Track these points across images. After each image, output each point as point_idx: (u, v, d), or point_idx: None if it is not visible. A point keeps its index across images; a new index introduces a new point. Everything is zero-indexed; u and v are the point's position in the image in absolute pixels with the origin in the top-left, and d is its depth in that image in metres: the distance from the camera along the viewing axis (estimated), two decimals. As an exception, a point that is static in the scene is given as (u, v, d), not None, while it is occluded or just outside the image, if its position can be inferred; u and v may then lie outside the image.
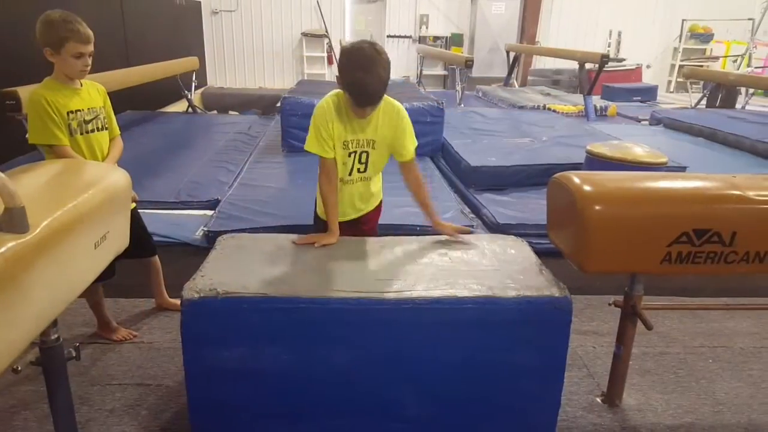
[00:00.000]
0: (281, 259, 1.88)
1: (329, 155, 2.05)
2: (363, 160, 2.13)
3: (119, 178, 1.70)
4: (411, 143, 2.16)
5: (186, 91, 7.89)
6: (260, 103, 8.94)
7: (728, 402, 2.18)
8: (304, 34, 11.48)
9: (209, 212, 3.72)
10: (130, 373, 2.25)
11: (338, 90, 2.04)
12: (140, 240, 2.40)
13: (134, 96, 6.71)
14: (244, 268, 1.78)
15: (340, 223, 2.14)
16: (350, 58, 1.91)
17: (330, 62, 11.63)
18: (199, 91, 9.29)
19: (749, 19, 11.29)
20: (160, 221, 3.47)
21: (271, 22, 11.50)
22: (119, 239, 1.68)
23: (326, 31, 11.37)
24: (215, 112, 8.72)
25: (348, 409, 1.78)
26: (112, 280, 2.29)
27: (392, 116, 2.09)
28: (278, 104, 5.46)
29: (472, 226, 3.64)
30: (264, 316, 1.63)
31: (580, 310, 2.80)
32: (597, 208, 1.71)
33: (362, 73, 1.85)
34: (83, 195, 1.44)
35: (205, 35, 11.08)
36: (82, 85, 2.24)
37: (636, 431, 2.01)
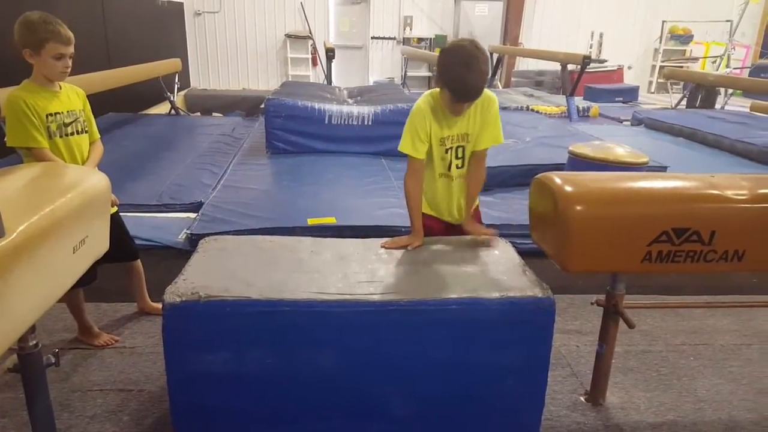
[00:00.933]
0: (265, 262, 1.87)
1: (421, 156, 2.10)
2: (460, 155, 2.16)
3: (98, 181, 1.67)
4: (496, 133, 2.16)
5: (168, 93, 7.82)
6: (244, 105, 8.89)
7: (709, 399, 2.20)
8: (288, 36, 11.44)
9: (192, 215, 3.69)
10: (111, 378, 2.22)
11: (431, 91, 2.11)
12: (122, 244, 2.38)
13: (116, 98, 6.63)
14: (226, 271, 1.77)
15: (446, 224, 2.25)
16: (452, 56, 1.96)
17: (315, 64, 11.60)
18: (182, 92, 9.21)
19: (727, 21, 11.48)
20: (142, 224, 3.44)
21: (254, 24, 11.45)
22: (99, 243, 1.66)
23: (310, 33, 11.35)
24: (198, 113, 8.66)
25: (333, 411, 1.77)
26: (93, 284, 2.26)
27: (485, 106, 2.11)
28: (262, 106, 5.44)
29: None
30: (247, 320, 1.61)
31: (564, 309, 2.82)
32: (578, 208, 1.72)
33: (465, 70, 1.90)
34: (61, 199, 1.42)
35: (188, 36, 10.99)
36: (61, 88, 2.21)
37: (619, 429, 2.02)
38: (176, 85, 8.21)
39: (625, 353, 2.48)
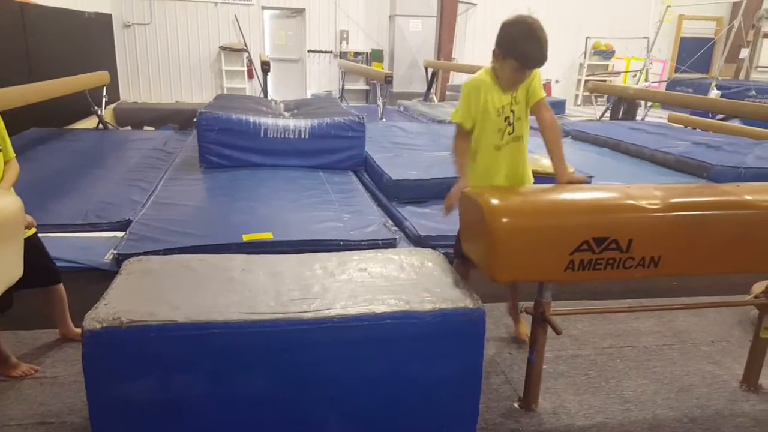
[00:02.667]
0: (193, 282, 1.82)
1: (469, 126, 2.28)
2: (512, 120, 2.29)
3: (7, 204, 1.59)
4: (540, 86, 2.33)
5: (96, 107, 7.51)
6: (177, 118, 8.67)
7: (635, 399, 2.30)
8: (223, 48, 11.27)
9: (120, 234, 3.54)
10: (30, 411, 2.08)
11: (485, 68, 2.28)
12: (40, 268, 2.25)
13: (39, 113, 6.30)
14: (151, 294, 1.71)
15: None
16: (516, 27, 2.11)
17: (250, 76, 11.47)
18: (112, 106, 8.88)
19: (644, 37, 12.20)
20: (66, 245, 3.27)
21: (187, 36, 11.21)
22: (10, 270, 1.57)
23: (245, 45, 11.21)
24: (129, 128, 8.36)
25: (268, 434, 1.74)
26: (9, 311, 2.13)
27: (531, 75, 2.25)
28: (195, 119, 5.31)
29: (394, 239, 3.68)
30: (174, 345, 1.56)
31: (498, 318, 2.89)
32: (504, 220, 1.78)
33: (531, 38, 2.07)
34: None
35: (117, 49, 10.63)
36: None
37: (551, 434, 2.09)
38: (104, 99, 7.91)
39: (556, 358, 2.56)
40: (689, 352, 2.67)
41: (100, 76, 7.77)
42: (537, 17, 2.11)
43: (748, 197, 1.97)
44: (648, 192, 1.89)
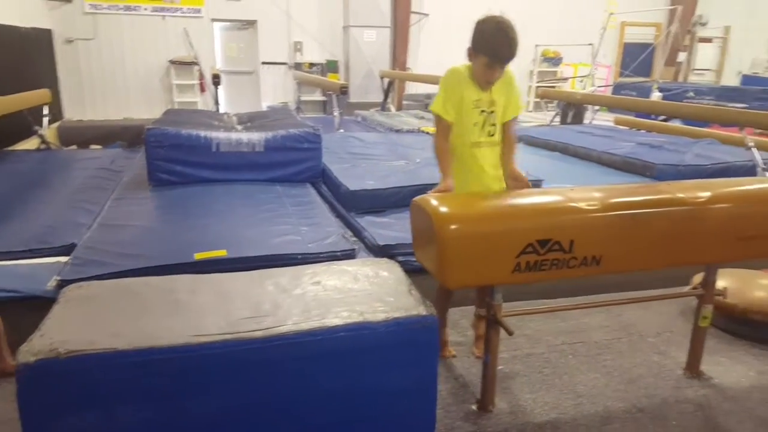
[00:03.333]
0: (136, 307, 1.77)
1: (449, 117, 2.30)
2: (492, 122, 2.34)
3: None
4: (518, 102, 2.46)
5: (36, 126, 7.24)
6: (126, 135, 8.41)
7: (587, 393, 2.37)
8: (172, 62, 11.08)
9: (64, 259, 3.41)
10: (-32, 451, 1.99)
11: (463, 64, 2.33)
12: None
13: (-26, 135, 6.05)
14: (91, 322, 1.65)
15: None
16: (486, 23, 2.22)
17: (202, 90, 11.30)
18: (55, 125, 8.57)
19: (589, 44, 12.62)
20: (5, 274, 3.13)
21: (134, 50, 10.97)
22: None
23: (196, 59, 11.06)
24: (74, 147, 8.08)
25: (222, 457, 1.70)
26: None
27: (508, 81, 2.38)
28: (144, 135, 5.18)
29: (354, 250, 3.68)
30: (117, 374, 1.50)
31: (456, 321, 2.93)
32: (452, 227, 1.82)
33: (499, 33, 2.18)
34: None
35: (58, 65, 10.30)
36: None
37: (508, 434, 2.12)
38: (46, 118, 7.64)
39: (512, 358, 2.62)
40: (637, 344, 2.77)
41: (39, 95, 7.50)
42: (508, 18, 2.24)
43: (680, 195, 2.07)
44: (587, 194, 1.96)
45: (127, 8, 10.75)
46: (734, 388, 2.40)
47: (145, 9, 10.84)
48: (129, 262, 3.25)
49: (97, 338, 1.55)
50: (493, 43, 2.18)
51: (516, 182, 2.34)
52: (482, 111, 2.32)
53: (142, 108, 11.17)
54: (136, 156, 6.42)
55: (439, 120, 2.34)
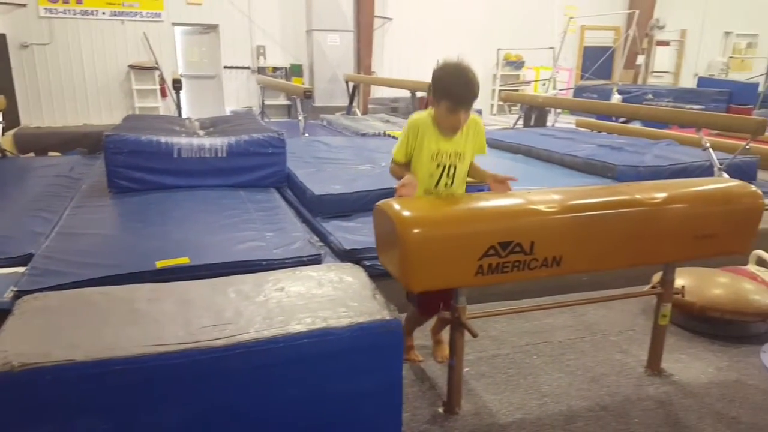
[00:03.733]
0: (94, 317, 1.73)
1: (401, 160, 2.31)
2: (451, 174, 2.27)
3: None
4: (483, 144, 2.38)
5: (-9, 135, 7.01)
6: (86, 142, 8.18)
7: (551, 393, 2.40)
8: (132, 67, 10.86)
9: (21, 269, 3.30)
10: None
11: (428, 110, 2.27)
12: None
13: (-77, 143, 5.81)
14: (47, 333, 1.60)
15: None
16: (444, 69, 2.18)
17: (164, 95, 11.11)
18: (11, 132, 8.29)
19: (551, 48, 12.88)
20: (-43, 287, 3.01)
21: (93, 55, 10.73)
22: None
23: (156, 63, 10.86)
24: (32, 154, 7.83)
25: (184, 469, 1.67)
26: None
27: (475, 128, 2.31)
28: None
29: (320, 255, 3.66)
30: (74, 387, 1.46)
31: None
32: (415, 231, 1.82)
33: (458, 76, 2.13)
34: None
35: (14, 71, 9.99)
36: None
37: (474, 435, 2.14)
38: (1, 125, 7.40)
39: (478, 360, 2.64)
40: (599, 343, 2.82)
41: (-6, 101, 7.27)
42: (465, 61, 2.19)
43: (638, 196, 2.12)
44: (547, 196, 1.99)
45: (84, 12, 10.51)
46: (694, 384, 2.47)
47: (103, 13, 10.61)
48: (88, 272, 3.16)
49: (53, 350, 1.50)
50: (452, 86, 2.13)
51: (500, 185, 2.26)
52: (438, 165, 2.25)
53: (103, 113, 10.93)
54: (96, 163, 6.25)
55: (394, 158, 2.36)
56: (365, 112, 12.19)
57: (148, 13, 10.85)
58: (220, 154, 5.11)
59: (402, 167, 2.32)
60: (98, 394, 1.50)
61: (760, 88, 12.79)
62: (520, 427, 2.18)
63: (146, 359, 1.52)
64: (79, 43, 10.59)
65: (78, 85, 10.78)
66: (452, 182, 2.29)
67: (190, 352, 1.57)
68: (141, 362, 1.52)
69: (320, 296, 1.94)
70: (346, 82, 11.14)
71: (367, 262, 3.54)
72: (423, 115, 2.28)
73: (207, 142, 5.10)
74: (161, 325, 1.69)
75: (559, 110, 10.15)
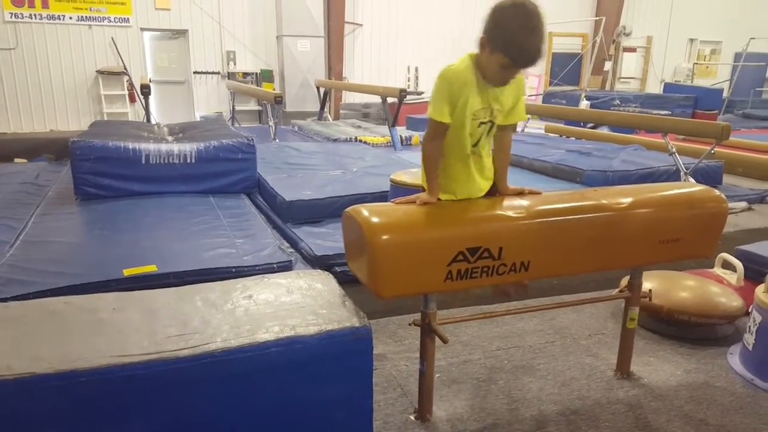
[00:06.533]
0: (56, 328, 1.68)
1: (446, 120, 1.94)
2: (491, 132, 2.05)
3: None
4: (523, 109, 2.13)
5: (-48, 140, 6.79)
6: (53, 148, 8.02)
7: (522, 398, 2.42)
8: (100, 72, 10.66)
9: (-17, 279, 3.20)
10: None
11: (470, 54, 1.93)
12: None
13: None
14: (8, 345, 1.55)
15: None
16: (512, 16, 1.76)
17: (132, 100, 10.94)
18: (-27, 138, 8.09)
19: (521, 54, 13.08)
20: None
21: (59, 60, 10.52)
22: None
23: (125, 69, 10.69)
24: (-4, 161, 7.64)
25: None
26: None
27: (519, 82, 2.01)
28: (70, 148, 4.94)
29: (291, 261, 3.63)
30: (37, 400, 1.42)
31: (394, 331, 2.93)
32: (384, 237, 1.81)
33: (528, 32, 1.74)
34: None
35: (-23, 76, 9.74)
36: None
37: (445, 441, 2.13)
38: (-37, 131, 7.19)
39: (449, 365, 2.64)
40: (570, 347, 2.85)
41: (-45, 106, 7.06)
42: (537, 4, 1.78)
43: (604, 201, 2.15)
44: (514, 203, 2.01)
45: (51, 17, 10.30)
46: (663, 387, 2.50)
47: (70, 18, 10.41)
48: (54, 281, 3.09)
49: (13, 362, 1.46)
50: (518, 43, 1.76)
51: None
52: (481, 123, 1.99)
53: (70, 120, 10.73)
54: (62, 170, 6.14)
55: (435, 124, 1.97)
56: (337, 117, 12.19)
57: (116, 18, 10.68)
58: (189, 160, 5.06)
59: (441, 142, 1.99)
60: (62, 407, 1.46)
61: (725, 94, 13.19)
62: (491, 432, 2.19)
63: (110, 370, 1.48)
64: (46, 48, 10.37)
65: (45, 91, 10.55)
66: (489, 141, 2.07)
67: (155, 362, 1.53)
68: (105, 374, 1.47)
69: (289, 304, 1.92)
70: (317, 88, 11.14)
71: (338, 269, 3.53)
72: (462, 66, 1.92)
73: (176, 147, 5.04)
74: (126, 335, 1.65)
75: (528, 116, 10.28)
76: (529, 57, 1.81)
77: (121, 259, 3.41)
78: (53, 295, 2.65)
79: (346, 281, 2.51)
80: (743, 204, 5.67)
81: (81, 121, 10.34)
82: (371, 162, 6.14)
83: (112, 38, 10.67)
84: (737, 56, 15.15)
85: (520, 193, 2.16)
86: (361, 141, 8.58)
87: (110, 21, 10.66)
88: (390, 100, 8.64)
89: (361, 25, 12.70)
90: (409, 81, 12.99)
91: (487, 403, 2.37)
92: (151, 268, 3.28)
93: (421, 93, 11.77)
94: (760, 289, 2.59)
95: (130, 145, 4.90)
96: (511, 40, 1.78)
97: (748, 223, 5.19)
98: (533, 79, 13.64)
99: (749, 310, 2.73)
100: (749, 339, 2.61)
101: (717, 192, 2.38)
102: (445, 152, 2.05)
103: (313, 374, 1.75)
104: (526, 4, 1.78)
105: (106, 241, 3.82)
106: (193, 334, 1.68)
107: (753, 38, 12.93)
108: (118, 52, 10.68)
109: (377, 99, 9.84)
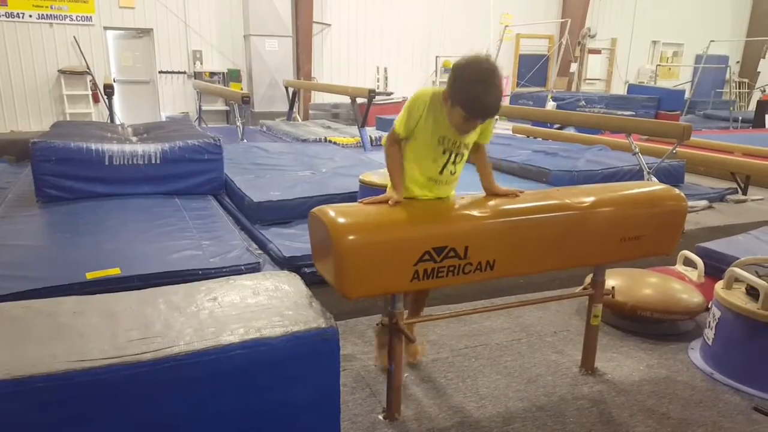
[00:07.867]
0: (14, 333, 1.63)
1: (402, 133, 2.07)
2: (457, 161, 2.12)
3: None
4: (491, 132, 2.27)
5: None
6: (13, 149, 7.78)
7: (489, 395, 2.44)
8: (62, 72, 10.39)
9: (-63, 285, 3.08)
10: None
11: (438, 89, 2.03)
12: None
13: None
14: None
15: None
16: (469, 73, 1.88)
17: (96, 100, 10.68)
18: (-71, 140, 7.77)
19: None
20: None
21: (19, 59, 10.21)
22: None
23: (87, 68, 10.43)
24: (-47, 164, 7.36)
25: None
26: None
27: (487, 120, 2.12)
28: (30, 149, 4.80)
29: (259, 263, 3.60)
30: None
31: (363, 331, 2.94)
32: (350, 238, 1.81)
33: (483, 88, 1.85)
34: None
35: (-67, 75, 9.39)
36: None
37: (413, 441, 2.14)
38: None
39: (417, 364, 2.65)
40: (536, 344, 2.89)
41: None
42: (492, 62, 1.92)
43: (567, 200, 2.19)
44: (480, 202, 2.03)
45: (10, 15, 9.99)
46: (626, 382, 2.56)
47: (30, 16, 10.11)
48: (14, 285, 3.00)
49: (-32, 370, 1.41)
50: (474, 100, 1.87)
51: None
52: (445, 151, 2.06)
53: (31, 120, 10.43)
54: (23, 171, 5.98)
55: (392, 135, 2.10)
56: (306, 117, 12.13)
57: (78, 16, 10.42)
58: (153, 161, 4.97)
59: (399, 145, 2.10)
60: (20, 414, 1.42)
61: (687, 95, 13.57)
62: (459, 430, 2.21)
63: (70, 375, 1.45)
64: (5, 46, 10.05)
65: (4, 91, 10.24)
66: (455, 171, 2.14)
67: (117, 366, 1.50)
68: (64, 379, 1.44)
69: (254, 306, 1.90)
70: (286, 88, 11.06)
71: (307, 270, 3.52)
72: (436, 92, 2.02)
73: (140, 148, 4.95)
74: (86, 339, 1.61)
75: (496, 116, 10.40)
76: (487, 111, 1.97)
77: (84, 262, 3.33)
78: (13, 300, 2.58)
79: (315, 282, 2.50)
80: (704, 202, 5.84)
81: (43, 122, 10.06)
82: (341, 162, 6.12)
83: (75, 37, 10.40)
84: (698, 58, 15.60)
85: (512, 194, 2.22)
86: (330, 141, 8.55)
87: (72, 19, 10.40)
88: (359, 100, 8.65)
89: (330, 25, 12.66)
90: (378, 81, 13.02)
91: (455, 401, 2.39)
92: (114, 271, 3.21)
93: (390, 93, 11.78)
94: (719, 286, 2.67)
95: (93, 146, 4.79)
96: (468, 95, 1.90)
97: (709, 221, 5.36)
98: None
99: (709, 306, 2.82)
100: (709, 334, 2.69)
101: (677, 191, 2.45)
102: (408, 171, 2.14)
103: (279, 376, 1.74)
104: (482, 62, 1.91)
105: (68, 243, 3.73)
106: (155, 337, 1.65)
107: (713, 41, 13.33)
108: (81, 52, 10.41)
109: (347, 99, 9.83)
